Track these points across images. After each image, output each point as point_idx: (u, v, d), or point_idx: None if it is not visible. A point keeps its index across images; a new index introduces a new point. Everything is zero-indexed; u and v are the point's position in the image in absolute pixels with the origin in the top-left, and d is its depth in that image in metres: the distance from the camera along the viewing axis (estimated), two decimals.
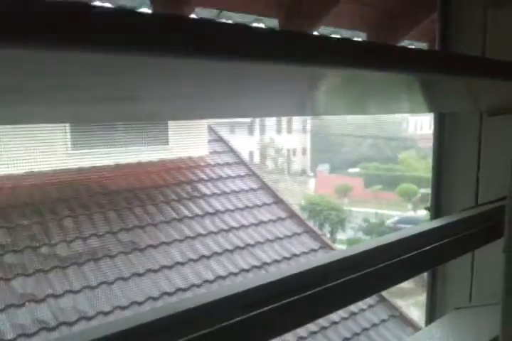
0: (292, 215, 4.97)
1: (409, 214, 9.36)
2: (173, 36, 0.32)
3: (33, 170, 3.06)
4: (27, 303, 2.87)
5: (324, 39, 0.48)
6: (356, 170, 9.81)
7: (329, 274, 0.73)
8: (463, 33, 1.34)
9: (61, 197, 3.49)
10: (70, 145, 3.44)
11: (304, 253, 4.64)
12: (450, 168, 1.44)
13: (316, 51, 0.43)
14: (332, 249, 4.94)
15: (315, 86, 0.63)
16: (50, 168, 3.22)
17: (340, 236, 8.51)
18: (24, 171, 2.99)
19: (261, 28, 0.42)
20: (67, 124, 3.27)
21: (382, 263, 0.81)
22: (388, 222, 9.22)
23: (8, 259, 3.08)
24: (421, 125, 10.73)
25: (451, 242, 0.97)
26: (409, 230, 0.95)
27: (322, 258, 0.79)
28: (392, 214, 9.38)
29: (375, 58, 0.49)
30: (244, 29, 0.39)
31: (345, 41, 0.51)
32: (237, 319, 0.60)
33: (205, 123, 4.53)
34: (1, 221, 3.18)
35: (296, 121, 6.46)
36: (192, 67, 0.40)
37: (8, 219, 3.21)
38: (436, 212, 1.49)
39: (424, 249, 0.90)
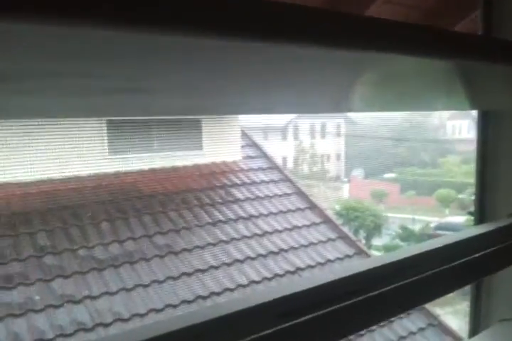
0: (326, 220, 4.92)
1: (448, 220, 9.10)
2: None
3: (71, 174, 3.15)
4: (65, 304, 2.94)
5: (371, 20, 0.45)
6: (392, 175, 9.63)
7: (368, 282, 0.69)
8: (508, 20, 1.25)
9: (98, 201, 3.58)
10: (107, 150, 3.53)
11: (339, 259, 4.58)
12: (495, 170, 1.35)
13: (362, 32, 0.40)
14: (367, 255, 4.86)
15: (353, 77, 0.60)
16: (87, 173, 3.31)
17: (376, 242, 8.34)
18: (63, 175, 3.08)
19: (306, 7, 0.38)
20: (104, 130, 3.35)
21: (425, 272, 0.75)
22: (426, 228, 8.97)
23: (48, 261, 3.17)
24: (459, 129, 10.45)
25: (500, 250, 0.89)
26: (452, 236, 0.87)
27: (359, 264, 0.75)
28: (430, 220, 9.13)
29: (417, 41, 0.46)
30: (287, 7, 0.35)
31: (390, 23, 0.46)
32: (273, 329, 0.56)
33: (238, 128, 4.56)
34: (40, 224, 3.28)
35: (330, 125, 6.41)
36: (222, 53, 0.37)
37: (48, 222, 3.31)
38: (480, 217, 1.38)
39: (470, 257, 0.83)
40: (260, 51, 0.38)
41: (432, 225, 8.98)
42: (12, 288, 2.90)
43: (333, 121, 6.09)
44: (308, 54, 0.41)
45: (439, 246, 0.81)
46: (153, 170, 3.74)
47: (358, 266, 0.72)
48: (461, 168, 10.00)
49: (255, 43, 0.35)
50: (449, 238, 0.87)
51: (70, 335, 2.81)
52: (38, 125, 2.55)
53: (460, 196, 9.45)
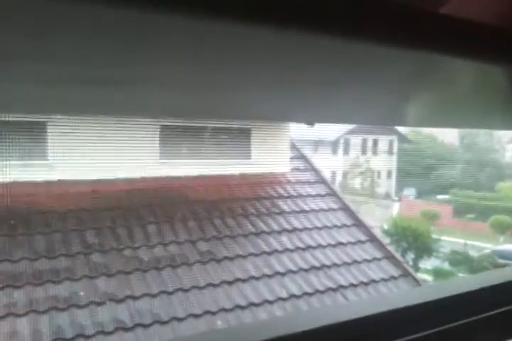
0: (373, 239, 4.79)
1: (504, 248, 8.62)
2: None
3: (123, 176, 3.24)
4: (108, 302, 3.01)
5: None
6: (446, 196, 9.29)
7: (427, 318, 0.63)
8: None
9: (146, 204, 3.66)
10: (158, 155, 3.62)
11: (384, 279, 4.43)
12: None
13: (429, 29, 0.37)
14: (414, 278, 4.67)
15: (410, 85, 0.56)
16: (138, 176, 3.40)
17: (424, 265, 8.02)
18: (115, 177, 3.19)
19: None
20: (157, 134, 3.44)
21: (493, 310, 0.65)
22: (485, 255, 8.51)
23: (95, 258, 3.26)
24: None
25: None
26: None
27: (415, 292, 0.67)
28: (483, 246, 8.68)
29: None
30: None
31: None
32: None
33: (288, 139, 4.55)
34: (91, 222, 3.39)
35: (383, 142, 6.29)
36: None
37: (98, 221, 3.42)
38: None
39: None
40: (303, 45, 0.35)
41: (486, 252, 8.54)
42: (59, 282, 3.01)
43: (386, 138, 5.98)
44: (362, 56, 0.38)
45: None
46: (201, 177, 3.79)
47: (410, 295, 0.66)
48: None
49: (297, 34, 0.32)
50: None
51: (110, 333, 2.86)
52: (90, 124, 2.65)
53: None
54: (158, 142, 3.45)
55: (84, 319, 2.86)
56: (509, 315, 0.66)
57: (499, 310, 0.66)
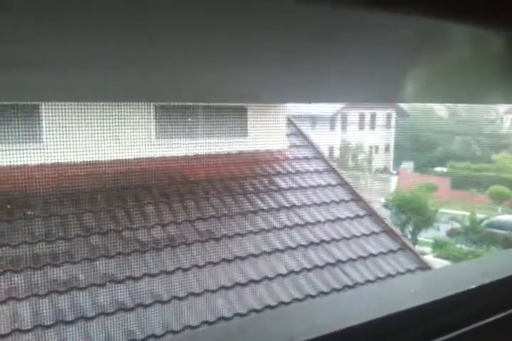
0: (371, 213, 4.80)
1: (499, 219, 8.69)
2: None
3: (118, 157, 3.21)
4: (108, 283, 3.03)
5: None
6: (444, 169, 9.29)
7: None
8: None
9: (143, 185, 3.64)
10: (154, 135, 3.58)
11: (382, 253, 4.47)
12: None
13: None
14: (412, 251, 4.71)
15: (404, 62, 0.53)
16: (134, 156, 3.37)
17: (423, 238, 8.11)
18: (110, 158, 3.16)
19: None
20: (152, 114, 3.39)
21: None
22: (478, 226, 8.62)
23: (93, 241, 3.27)
24: None
25: None
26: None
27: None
28: (482, 218, 8.76)
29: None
30: None
31: None
32: None
33: (284, 116, 4.50)
34: (87, 205, 3.38)
35: (380, 116, 6.23)
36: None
37: (94, 203, 3.41)
38: None
39: None
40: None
41: (484, 223, 8.62)
42: (58, 266, 3.02)
43: (384, 112, 5.92)
44: (356, 29, 0.36)
45: None
46: (197, 156, 3.76)
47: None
48: None
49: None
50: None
51: (111, 314, 2.89)
52: (85, 107, 2.61)
53: None
54: (153, 122, 3.41)
55: (84, 301, 2.89)
56: None
57: None
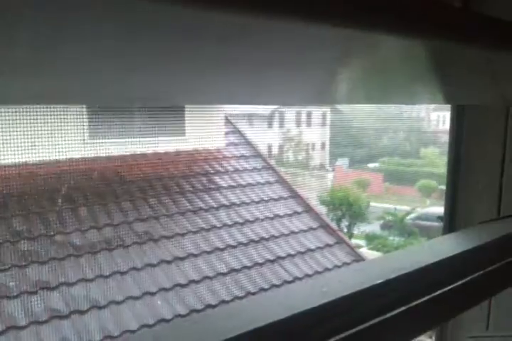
0: (308, 210, 4.92)
1: (427, 211, 9.22)
2: None
3: (49, 158, 3.07)
4: (40, 291, 2.89)
5: None
6: (376, 164, 9.68)
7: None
8: None
9: (76, 186, 3.50)
10: (87, 135, 3.45)
11: (319, 248, 4.60)
12: (468, 171, 1.19)
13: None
14: (349, 245, 4.88)
15: (337, 65, 0.55)
16: (66, 157, 3.23)
17: (358, 231, 8.41)
18: (40, 159, 3.01)
19: None
20: (84, 113, 3.27)
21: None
22: (407, 218, 9.10)
23: (23, 246, 3.11)
24: (443, 120, 10.52)
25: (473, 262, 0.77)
26: (415, 248, 0.80)
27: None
28: (410, 210, 9.26)
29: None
30: None
31: None
32: None
33: (222, 114, 4.49)
34: (16, 208, 3.21)
35: (316, 114, 6.37)
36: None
37: (24, 206, 3.24)
38: (450, 223, 1.25)
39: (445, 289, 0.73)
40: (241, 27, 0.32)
41: (413, 215, 9.11)
42: None
43: (319, 110, 6.05)
44: (288, 34, 0.36)
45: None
46: (134, 156, 3.67)
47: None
48: (442, 158, 10.10)
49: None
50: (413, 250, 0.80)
51: (44, 322, 2.77)
52: (16, 110, 2.46)
53: (441, 186, 9.57)
54: (86, 122, 3.28)
55: (16, 310, 2.74)
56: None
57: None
